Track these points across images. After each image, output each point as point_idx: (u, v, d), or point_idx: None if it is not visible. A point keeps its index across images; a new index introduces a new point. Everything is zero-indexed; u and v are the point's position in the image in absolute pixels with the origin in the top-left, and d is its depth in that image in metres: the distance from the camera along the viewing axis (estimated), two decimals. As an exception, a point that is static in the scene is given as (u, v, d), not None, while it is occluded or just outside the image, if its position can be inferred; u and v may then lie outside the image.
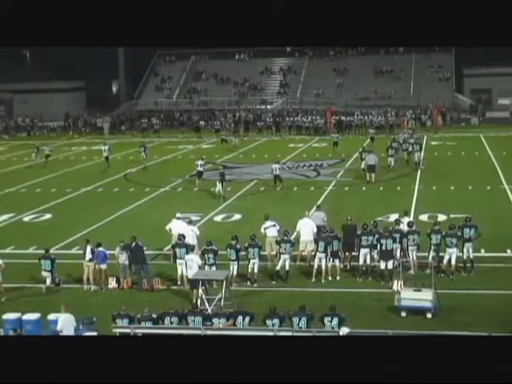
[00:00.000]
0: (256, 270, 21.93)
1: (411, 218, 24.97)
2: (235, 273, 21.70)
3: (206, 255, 21.36)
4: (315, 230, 23.23)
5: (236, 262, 21.70)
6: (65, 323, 16.77)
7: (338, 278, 22.04)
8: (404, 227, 22.55)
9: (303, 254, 23.41)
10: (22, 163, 50.02)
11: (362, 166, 38.70)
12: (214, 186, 35.42)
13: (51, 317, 17.60)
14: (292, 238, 23.01)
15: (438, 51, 73.86)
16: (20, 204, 34.75)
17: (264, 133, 63.78)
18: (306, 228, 23.35)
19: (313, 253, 22.57)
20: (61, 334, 16.37)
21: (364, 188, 36.23)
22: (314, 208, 26.17)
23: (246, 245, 21.93)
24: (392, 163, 40.39)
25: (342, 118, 63.32)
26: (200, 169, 37.68)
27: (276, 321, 16.50)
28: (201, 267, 21.05)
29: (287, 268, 22.03)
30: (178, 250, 21.98)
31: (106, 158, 46.11)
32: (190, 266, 21.11)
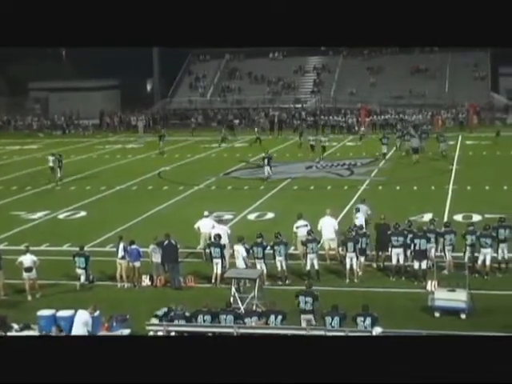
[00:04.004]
0: (284, 267, 21.89)
1: (446, 219, 24.75)
2: (265, 271, 21.66)
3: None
4: (337, 227, 23.54)
5: (262, 260, 21.66)
6: (76, 318, 17.13)
7: (360, 273, 21.91)
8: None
9: (330, 252, 23.40)
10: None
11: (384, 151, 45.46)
12: (248, 185, 35.68)
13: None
14: (322, 239, 23.09)
15: (474, 50, 72.99)
16: (55, 201, 35.07)
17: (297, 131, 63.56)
18: (328, 226, 23.49)
19: (341, 252, 22.55)
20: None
21: (398, 187, 36.03)
22: (360, 201, 26.81)
23: (272, 243, 21.91)
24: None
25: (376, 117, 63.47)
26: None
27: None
28: (246, 259, 21.23)
29: (316, 267, 21.93)
30: (212, 249, 22.04)
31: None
32: (236, 256, 21.39)
